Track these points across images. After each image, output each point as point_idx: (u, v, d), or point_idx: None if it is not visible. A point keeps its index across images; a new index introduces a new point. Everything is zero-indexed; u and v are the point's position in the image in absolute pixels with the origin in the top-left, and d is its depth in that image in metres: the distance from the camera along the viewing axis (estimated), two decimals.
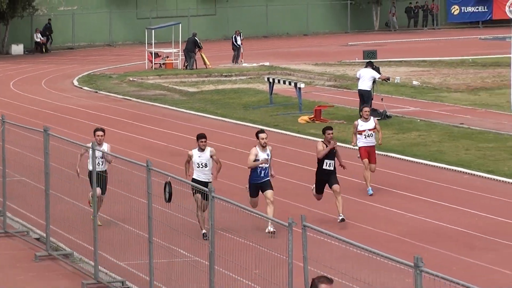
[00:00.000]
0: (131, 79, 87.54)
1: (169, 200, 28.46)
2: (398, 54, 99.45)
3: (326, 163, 31.64)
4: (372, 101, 62.13)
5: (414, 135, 56.82)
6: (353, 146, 39.72)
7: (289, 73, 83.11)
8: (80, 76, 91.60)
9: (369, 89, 61.80)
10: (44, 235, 35.28)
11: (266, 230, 30.74)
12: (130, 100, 75.69)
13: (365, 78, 62.12)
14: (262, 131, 31.09)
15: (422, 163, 49.60)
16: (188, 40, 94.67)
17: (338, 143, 37.44)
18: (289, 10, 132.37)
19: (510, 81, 50.20)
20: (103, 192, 30.55)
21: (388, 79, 71.88)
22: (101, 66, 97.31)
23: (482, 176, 46.39)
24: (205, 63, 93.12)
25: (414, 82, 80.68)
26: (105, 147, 32.62)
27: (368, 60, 70.42)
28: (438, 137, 56.31)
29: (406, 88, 77.22)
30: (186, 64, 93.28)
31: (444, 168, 48.54)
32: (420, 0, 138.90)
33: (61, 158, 35.93)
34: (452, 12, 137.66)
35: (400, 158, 50.21)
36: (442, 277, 14.56)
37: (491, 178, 46.05)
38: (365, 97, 61.68)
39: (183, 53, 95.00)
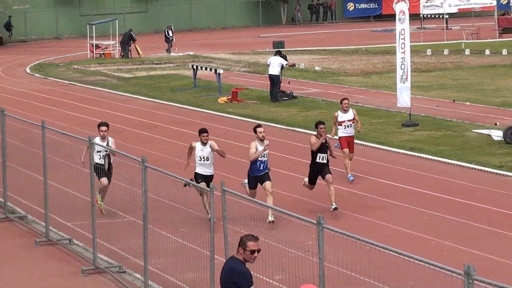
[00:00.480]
0: (75, 67, 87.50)
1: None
2: (303, 44, 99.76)
3: (320, 156, 29.96)
4: (281, 84, 62.38)
5: (316, 113, 56.61)
6: (332, 136, 36.90)
7: (210, 61, 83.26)
8: (32, 65, 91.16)
9: (277, 74, 61.92)
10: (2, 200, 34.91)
11: (267, 220, 28.78)
12: (75, 85, 75.63)
13: (274, 64, 62.28)
14: (259, 125, 29.44)
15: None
16: (124, 34, 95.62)
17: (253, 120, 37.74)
18: (209, 7, 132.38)
19: (396, 66, 50.35)
20: (110, 178, 29.01)
21: (294, 65, 72.57)
22: (50, 56, 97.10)
23: (375, 147, 46.82)
24: (138, 53, 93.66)
25: (316, 68, 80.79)
26: (110, 141, 30.68)
27: (277, 50, 70.66)
28: None
29: (309, 72, 77.47)
30: (122, 54, 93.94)
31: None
32: None
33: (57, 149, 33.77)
34: (348, 8, 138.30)
35: (304, 132, 49.86)
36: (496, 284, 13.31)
37: (382, 149, 46.54)
38: (274, 81, 62.08)
39: (119, 45, 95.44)
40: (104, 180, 29.04)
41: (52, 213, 33.06)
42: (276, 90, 62.24)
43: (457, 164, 42.09)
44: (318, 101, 62.21)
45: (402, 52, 50.32)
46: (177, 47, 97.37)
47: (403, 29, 50.54)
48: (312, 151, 29.91)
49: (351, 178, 37.27)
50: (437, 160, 43.23)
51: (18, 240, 33.00)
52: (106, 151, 29.09)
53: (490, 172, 40.51)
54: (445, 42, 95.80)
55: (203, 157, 28.96)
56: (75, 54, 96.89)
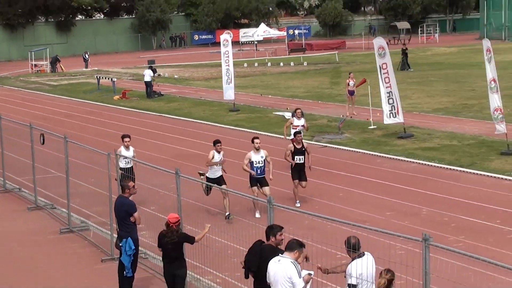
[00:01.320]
0: (21, 78, 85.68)
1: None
2: (166, 62, 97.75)
3: (297, 158, 25.84)
4: (153, 87, 62.49)
5: (176, 105, 56.72)
6: (286, 137, 31.98)
7: (108, 73, 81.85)
8: None
9: (150, 80, 61.63)
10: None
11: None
12: (22, 90, 73.95)
13: (147, 74, 62.18)
14: (256, 137, 25.18)
15: (180, 119, 49.74)
16: (53, 57, 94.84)
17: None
18: (107, 39, 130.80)
19: (222, 74, 50.74)
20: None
21: (159, 75, 73.29)
22: (4, 72, 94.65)
23: (212, 125, 46.37)
24: (62, 69, 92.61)
25: (175, 76, 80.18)
26: (131, 150, 25.84)
27: (149, 65, 70.54)
28: (189, 105, 56.03)
29: (170, 79, 76.12)
30: (51, 70, 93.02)
31: (192, 121, 48.65)
32: (177, 31, 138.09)
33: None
34: (194, 38, 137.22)
35: (172, 117, 50.19)
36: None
37: (217, 126, 46.08)
38: (147, 85, 62.10)
39: (50, 64, 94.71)
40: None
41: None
42: (150, 90, 61.90)
43: (264, 134, 41.68)
44: (177, 97, 61.87)
45: (227, 65, 51.22)
46: (90, 65, 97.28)
47: (227, 50, 51.43)
48: (292, 153, 25.95)
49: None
50: (251, 132, 41.89)
51: None
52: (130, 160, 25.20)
53: (282, 138, 40.46)
54: (255, 58, 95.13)
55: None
56: (21, 71, 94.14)
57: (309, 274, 13.63)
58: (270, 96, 59.79)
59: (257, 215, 23.62)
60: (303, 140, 26.79)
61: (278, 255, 13.69)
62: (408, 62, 76.11)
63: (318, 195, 27.58)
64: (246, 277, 14.94)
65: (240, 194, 19.06)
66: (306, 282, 13.47)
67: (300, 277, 13.36)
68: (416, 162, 32.89)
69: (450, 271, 15.65)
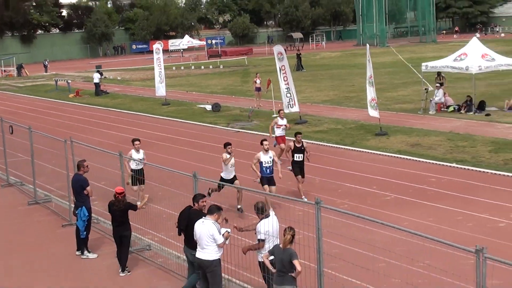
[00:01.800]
0: None
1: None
2: (111, 66, 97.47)
3: (296, 156, 23.18)
4: (100, 87, 61.87)
5: (119, 101, 56.03)
6: (271, 136, 28.63)
7: (64, 76, 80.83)
8: None
9: (98, 81, 61.09)
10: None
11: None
12: None
13: (95, 77, 61.98)
14: (265, 139, 22.12)
15: (123, 112, 49.31)
16: (18, 64, 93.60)
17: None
18: (62, 49, 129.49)
19: (155, 75, 50.57)
20: (142, 183, 21.83)
21: (105, 77, 72.43)
22: None
23: (148, 116, 45.97)
24: (26, 74, 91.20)
25: (118, 78, 78.61)
26: (141, 152, 22.66)
27: (97, 70, 70.14)
28: (129, 100, 55.60)
29: (115, 80, 75.50)
30: (18, 74, 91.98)
31: (132, 113, 48.11)
32: (118, 42, 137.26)
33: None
34: (133, 47, 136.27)
35: (116, 111, 49.79)
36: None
37: (153, 117, 45.71)
38: (96, 85, 61.46)
39: (16, 70, 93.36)
40: (135, 187, 21.97)
41: None
42: (98, 89, 61.07)
43: (190, 123, 41.70)
44: (120, 95, 60.83)
45: (159, 68, 50.99)
46: (49, 70, 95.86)
47: (159, 57, 51.20)
48: (292, 152, 23.27)
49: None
50: (181, 121, 42.80)
51: None
52: (141, 160, 22.19)
53: (204, 126, 40.39)
54: (182, 63, 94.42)
55: (232, 164, 21.70)
56: None
57: (227, 232, 13.95)
58: (194, 92, 59.24)
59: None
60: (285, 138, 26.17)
61: (202, 217, 13.91)
62: (301, 64, 76.60)
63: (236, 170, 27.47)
64: (179, 234, 15.11)
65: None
66: (226, 238, 13.77)
67: (220, 234, 13.78)
68: (310, 142, 33.01)
69: (338, 227, 15.91)
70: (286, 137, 28.68)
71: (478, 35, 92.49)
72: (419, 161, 28.11)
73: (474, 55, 40.18)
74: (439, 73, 43.46)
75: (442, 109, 40.93)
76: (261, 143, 21.77)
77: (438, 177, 24.95)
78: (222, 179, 21.41)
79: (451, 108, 40.76)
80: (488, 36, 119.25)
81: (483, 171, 25.63)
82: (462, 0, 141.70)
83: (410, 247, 14.44)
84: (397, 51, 58.69)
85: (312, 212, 12.64)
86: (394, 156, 28.99)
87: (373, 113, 34.11)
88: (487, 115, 38.63)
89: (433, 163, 27.28)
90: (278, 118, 28.89)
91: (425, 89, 42.60)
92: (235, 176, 21.84)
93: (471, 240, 16.26)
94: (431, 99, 41.51)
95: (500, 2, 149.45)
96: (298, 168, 23.24)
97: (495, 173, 25.33)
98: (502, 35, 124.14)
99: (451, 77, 46.54)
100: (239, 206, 21.67)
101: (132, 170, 22.01)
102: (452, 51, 43.78)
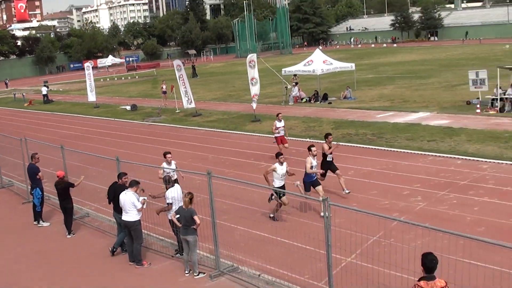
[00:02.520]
0: None
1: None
2: (55, 81, 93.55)
3: (328, 156, 18.07)
4: (48, 97, 59.56)
5: (62, 106, 54.11)
6: (275, 135, 23.77)
7: (20, 90, 77.17)
8: None
9: (45, 93, 59.02)
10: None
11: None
12: None
13: (43, 89, 59.85)
14: (313, 145, 16.74)
15: (65, 114, 47.68)
16: None
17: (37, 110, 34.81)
18: (19, 69, 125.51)
19: (87, 86, 49.35)
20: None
21: (51, 89, 69.52)
22: None
23: (80, 116, 44.58)
24: None
25: (61, 89, 76.00)
26: (173, 164, 16.95)
27: (44, 84, 67.69)
28: (69, 106, 53.61)
29: (58, 91, 72.19)
30: None
31: (71, 115, 46.64)
32: (60, 62, 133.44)
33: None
34: (71, 66, 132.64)
35: (59, 114, 47.82)
36: None
37: (87, 117, 44.31)
38: (44, 96, 58.92)
39: None
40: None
41: None
42: (46, 99, 58.39)
43: (115, 120, 40.52)
44: (62, 102, 58.30)
45: (89, 80, 49.76)
46: (9, 86, 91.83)
47: (89, 72, 49.93)
48: (323, 153, 18.11)
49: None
50: (108, 119, 41.51)
51: None
52: (173, 172, 16.72)
53: (126, 121, 39.58)
54: (108, 76, 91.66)
55: (283, 174, 15.89)
56: None
57: (144, 199, 13.92)
58: (117, 97, 57.95)
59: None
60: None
61: (125, 190, 13.82)
62: (196, 72, 76.38)
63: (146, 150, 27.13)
64: (109, 203, 14.83)
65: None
66: (143, 204, 13.67)
67: (138, 201, 13.74)
68: (204, 130, 32.94)
69: (227, 191, 15.94)
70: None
71: (320, 47, 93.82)
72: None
73: (318, 61, 41.16)
74: (295, 75, 43.94)
75: (298, 100, 41.41)
76: (309, 149, 16.40)
77: (297, 149, 25.12)
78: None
79: (304, 100, 41.32)
80: (328, 47, 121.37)
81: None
82: (308, 23, 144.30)
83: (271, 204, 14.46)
84: (265, 61, 58.71)
85: (206, 180, 12.58)
86: (265, 136, 29.04)
87: (254, 105, 33.93)
88: (329, 103, 39.31)
89: (293, 139, 27.42)
90: (276, 121, 23.58)
91: (285, 87, 43.08)
92: (284, 184, 16.11)
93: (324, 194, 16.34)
94: (290, 94, 42.02)
95: (335, 24, 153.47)
96: (325, 169, 18.08)
97: (337, 143, 25.49)
98: (338, 47, 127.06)
99: (303, 77, 47.10)
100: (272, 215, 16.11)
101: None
102: (303, 59, 44.31)
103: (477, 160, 20.69)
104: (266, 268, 12.54)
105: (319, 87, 42.63)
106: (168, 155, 17.08)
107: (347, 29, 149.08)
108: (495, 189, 17.11)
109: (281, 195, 15.39)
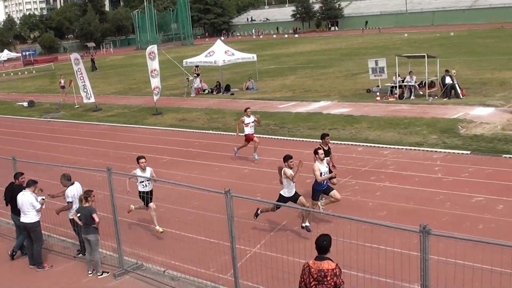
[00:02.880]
0: None
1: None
2: None
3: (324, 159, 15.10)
4: None
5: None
6: (238, 135, 21.12)
7: None
8: None
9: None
10: None
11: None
12: None
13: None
14: (319, 148, 14.42)
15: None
16: None
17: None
18: None
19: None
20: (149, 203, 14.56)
21: None
22: None
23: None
24: None
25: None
26: (148, 170, 14.49)
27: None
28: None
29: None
30: None
31: None
32: None
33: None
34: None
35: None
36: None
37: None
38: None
39: None
40: (152, 204, 14.42)
41: None
42: None
43: (11, 117, 39.30)
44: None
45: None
46: None
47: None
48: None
49: (256, 156, 20.86)
50: (4, 117, 40.19)
51: None
52: (148, 180, 14.35)
53: (23, 118, 38.39)
54: (4, 71, 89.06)
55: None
56: None
57: (43, 199, 13.67)
58: (14, 93, 56.06)
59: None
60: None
61: (22, 190, 13.42)
62: (95, 66, 75.02)
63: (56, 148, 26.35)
64: (6, 205, 14.33)
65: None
66: (42, 204, 13.38)
67: (37, 201, 13.36)
68: (105, 125, 32.35)
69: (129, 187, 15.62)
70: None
71: (222, 38, 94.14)
72: (185, 131, 28.06)
73: (219, 52, 41.13)
74: (196, 66, 43.83)
75: (200, 92, 41.34)
76: (316, 153, 14.00)
77: (200, 141, 25.16)
78: (284, 198, 13.25)
79: (206, 91, 41.28)
80: (230, 38, 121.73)
81: (231, 134, 25.68)
82: (210, 13, 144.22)
83: (186, 193, 14.42)
84: (166, 52, 58.18)
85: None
86: (167, 129, 28.90)
87: (155, 98, 33.57)
88: (232, 94, 39.48)
89: (196, 131, 27.49)
90: (245, 116, 21.05)
91: (187, 78, 43.00)
92: (296, 192, 13.45)
93: (226, 184, 16.42)
94: (191, 85, 41.88)
95: (236, 14, 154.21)
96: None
97: (239, 135, 25.53)
98: (239, 37, 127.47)
99: (205, 69, 47.07)
100: (304, 225, 13.43)
101: (141, 191, 14.67)
102: (204, 50, 44.22)
103: (378, 147, 21.39)
104: (171, 264, 12.44)
105: (221, 78, 42.74)
106: (142, 160, 14.39)
107: (248, 20, 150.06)
108: (396, 174, 17.71)
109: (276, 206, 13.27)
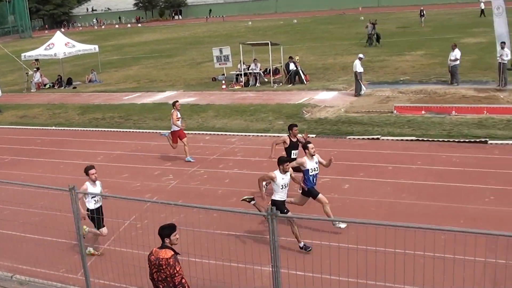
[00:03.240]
0: None
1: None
2: None
3: (292, 153, 14.11)
4: None
5: None
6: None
7: None
8: None
9: None
10: None
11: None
12: None
13: None
14: (309, 142, 12.66)
15: None
16: None
17: None
18: None
19: None
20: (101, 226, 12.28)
21: None
22: None
23: None
24: None
25: None
26: (98, 183, 12.11)
27: None
28: None
29: None
30: None
31: None
32: None
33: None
34: None
35: None
36: None
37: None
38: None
39: None
40: (105, 230, 12.24)
41: None
42: None
43: None
44: None
45: None
46: None
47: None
48: (286, 148, 14.25)
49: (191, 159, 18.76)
50: None
51: None
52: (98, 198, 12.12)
53: None
54: None
55: (285, 185, 11.54)
56: None
57: None
58: None
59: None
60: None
61: None
62: None
63: None
64: None
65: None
66: None
67: None
68: None
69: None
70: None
71: (62, 29, 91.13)
72: (27, 128, 26.88)
73: (59, 44, 40.12)
74: (36, 60, 42.32)
75: (41, 87, 39.94)
76: (306, 147, 12.51)
77: (42, 138, 24.26)
78: (277, 203, 11.38)
79: (47, 86, 39.96)
80: (71, 29, 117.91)
81: (75, 129, 25.42)
82: (48, 4, 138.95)
83: (31, 194, 13.83)
84: (3, 46, 55.34)
85: None
86: (8, 128, 27.55)
87: None
88: (74, 87, 38.49)
89: (38, 128, 26.48)
90: (177, 111, 18.46)
91: (26, 73, 41.38)
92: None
93: (71, 181, 15.96)
94: (31, 80, 40.34)
95: (76, 5, 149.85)
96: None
97: (83, 129, 25.25)
98: (81, 28, 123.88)
99: (45, 62, 45.38)
100: (301, 245, 11.57)
101: (89, 210, 12.11)
102: (43, 43, 42.59)
103: (225, 135, 21.74)
104: (19, 268, 11.92)
105: (63, 71, 41.49)
106: (92, 171, 12.05)
107: (88, 10, 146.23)
108: (244, 161, 18.09)
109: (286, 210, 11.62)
